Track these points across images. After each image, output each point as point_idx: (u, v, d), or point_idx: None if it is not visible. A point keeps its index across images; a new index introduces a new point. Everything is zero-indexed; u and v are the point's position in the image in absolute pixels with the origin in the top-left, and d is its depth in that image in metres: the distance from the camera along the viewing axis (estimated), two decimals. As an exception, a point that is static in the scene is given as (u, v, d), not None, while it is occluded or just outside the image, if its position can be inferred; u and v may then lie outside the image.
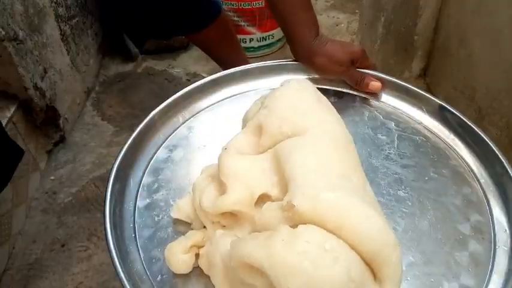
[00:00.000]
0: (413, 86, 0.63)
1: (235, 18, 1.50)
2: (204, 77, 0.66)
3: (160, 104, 0.60)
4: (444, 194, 0.52)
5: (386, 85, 0.64)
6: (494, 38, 1.00)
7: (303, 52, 0.65)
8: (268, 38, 1.58)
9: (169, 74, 1.54)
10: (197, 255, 0.44)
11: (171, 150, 0.58)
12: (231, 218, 0.44)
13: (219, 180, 0.44)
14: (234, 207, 0.42)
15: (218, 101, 0.65)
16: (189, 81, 1.50)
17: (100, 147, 1.28)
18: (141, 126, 0.57)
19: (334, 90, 0.66)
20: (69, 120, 1.29)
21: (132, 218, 0.50)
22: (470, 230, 0.48)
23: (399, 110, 0.63)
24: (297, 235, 0.35)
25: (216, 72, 0.66)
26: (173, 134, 0.60)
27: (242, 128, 0.52)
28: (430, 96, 0.61)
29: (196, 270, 0.44)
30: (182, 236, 0.46)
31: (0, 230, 0.98)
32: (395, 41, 1.33)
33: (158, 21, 1.10)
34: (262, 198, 0.43)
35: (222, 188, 0.44)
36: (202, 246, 0.44)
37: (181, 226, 0.49)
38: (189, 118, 0.62)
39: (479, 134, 0.55)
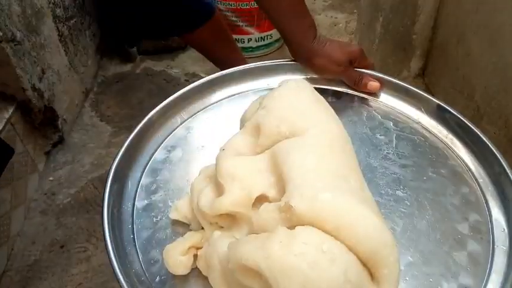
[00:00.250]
0: (411, 85, 0.63)
1: (234, 19, 1.50)
2: (202, 77, 0.65)
3: (159, 104, 0.60)
4: (442, 193, 0.52)
5: (384, 85, 0.64)
6: (492, 37, 1.00)
7: (302, 53, 0.65)
8: (267, 38, 1.58)
9: (168, 75, 1.53)
10: (195, 257, 0.44)
11: (169, 151, 0.58)
12: (228, 219, 0.44)
13: (216, 181, 0.44)
14: (232, 209, 0.42)
15: (216, 101, 0.65)
16: (188, 82, 1.50)
17: (99, 148, 1.28)
18: (139, 126, 0.57)
19: (332, 90, 0.66)
20: (68, 121, 1.29)
21: (131, 219, 0.50)
22: (469, 230, 0.48)
23: (397, 109, 0.63)
24: (294, 237, 0.35)
25: (215, 73, 0.66)
26: (171, 134, 0.60)
27: (240, 129, 0.52)
28: (429, 96, 0.61)
29: (195, 271, 0.44)
30: (180, 237, 0.46)
31: (-2, 232, 0.98)
32: (393, 41, 1.33)
33: (153, 22, 1.10)
34: (260, 199, 0.43)
35: (219, 189, 0.44)
36: (201, 248, 0.44)
37: (180, 227, 0.49)
38: (188, 118, 0.62)
39: (477, 134, 0.55)
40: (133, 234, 0.48)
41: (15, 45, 1.01)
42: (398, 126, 0.60)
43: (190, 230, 0.48)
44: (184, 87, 0.63)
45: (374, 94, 0.65)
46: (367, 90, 0.64)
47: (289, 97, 0.50)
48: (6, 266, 0.99)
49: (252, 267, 0.35)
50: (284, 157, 0.43)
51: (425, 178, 0.53)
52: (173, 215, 0.49)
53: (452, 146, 0.57)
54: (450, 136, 0.58)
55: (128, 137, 0.56)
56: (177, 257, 0.43)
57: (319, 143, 0.45)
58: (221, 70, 0.67)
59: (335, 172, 0.42)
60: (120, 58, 1.59)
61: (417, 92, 0.62)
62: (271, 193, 0.43)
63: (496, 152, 0.52)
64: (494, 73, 1.00)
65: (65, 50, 1.29)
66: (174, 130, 0.61)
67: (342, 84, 0.66)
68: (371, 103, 0.64)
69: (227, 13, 1.48)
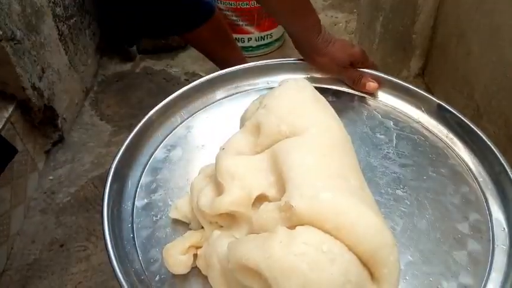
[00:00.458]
0: (411, 85, 0.63)
1: (234, 18, 1.50)
2: (202, 77, 0.65)
3: (159, 103, 0.60)
4: (443, 193, 0.52)
5: (384, 84, 0.64)
6: (492, 36, 1.00)
7: (306, 48, 0.65)
8: (267, 38, 1.58)
9: (168, 74, 1.53)
10: (195, 256, 0.44)
11: (169, 150, 0.58)
12: (228, 218, 0.44)
13: (216, 180, 0.44)
14: (231, 208, 0.42)
15: (216, 101, 0.65)
16: (188, 81, 1.50)
17: (98, 147, 1.28)
18: (139, 125, 0.57)
19: (332, 89, 0.66)
20: (68, 120, 1.29)
21: (130, 218, 0.50)
22: (469, 229, 0.48)
23: (398, 109, 0.63)
24: (294, 237, 0.35)
25: (214, 72, 0.66)
26: (171, 133, 0.60)
27: (240, 128, 0.52)
28: (429, 96, 0.61)
29: (195, 270, 0.44)
30: (180, 236, 0.46)
31: (-2, 231, 0.98)
32: (393, 40, 1.33)
33: (153, 21, 1.10)
34: (260, 199, 0.43)
35: (219, 189, 0.44)
36: (201, 247, 0.44)
37: (180, 226, 0.49)
38: (188, 118, 0.62)
39: (477, 133, 0.55)
40: (133, 233, 0.48)
41: (15, 44, 1.01)
42: (399, 126, 0.60)
43: (190, 229, 0.48)
44: (184, 86, 0.63)
45: (373, 94, 0.65)
46: (365, 91, 0.64)
47: (290, 96, 0.50)
48: (5, 265, 0.99)
49: (252, 267, 0.35)
50: (284, 156, 0.43)
51: (425, 177, 0.53)
52: (173, 214, 0.49)
53: (452, 145, 0.57)
54: (450, 135, 0.58)
55: (127, 136, 0.56)
56: (176, 256, 0.43)
57: (319, 143, 0.44)
58: (221, 69, 0.67)
59: (335, 171, 0.42)
60: (120, 57, 1.59)
61: (417, 92, 0.62)
62: (271, 192, 0.43)
63: (496, 151, 0.52)
64: (494, 72, 1.00)
65: (64, 49, 1.29)
66: (174, 129, 0.61)
67: (342, 83, 0.66)
68: (371, 102, 0.64)
69: (227, 12, 1.48)
